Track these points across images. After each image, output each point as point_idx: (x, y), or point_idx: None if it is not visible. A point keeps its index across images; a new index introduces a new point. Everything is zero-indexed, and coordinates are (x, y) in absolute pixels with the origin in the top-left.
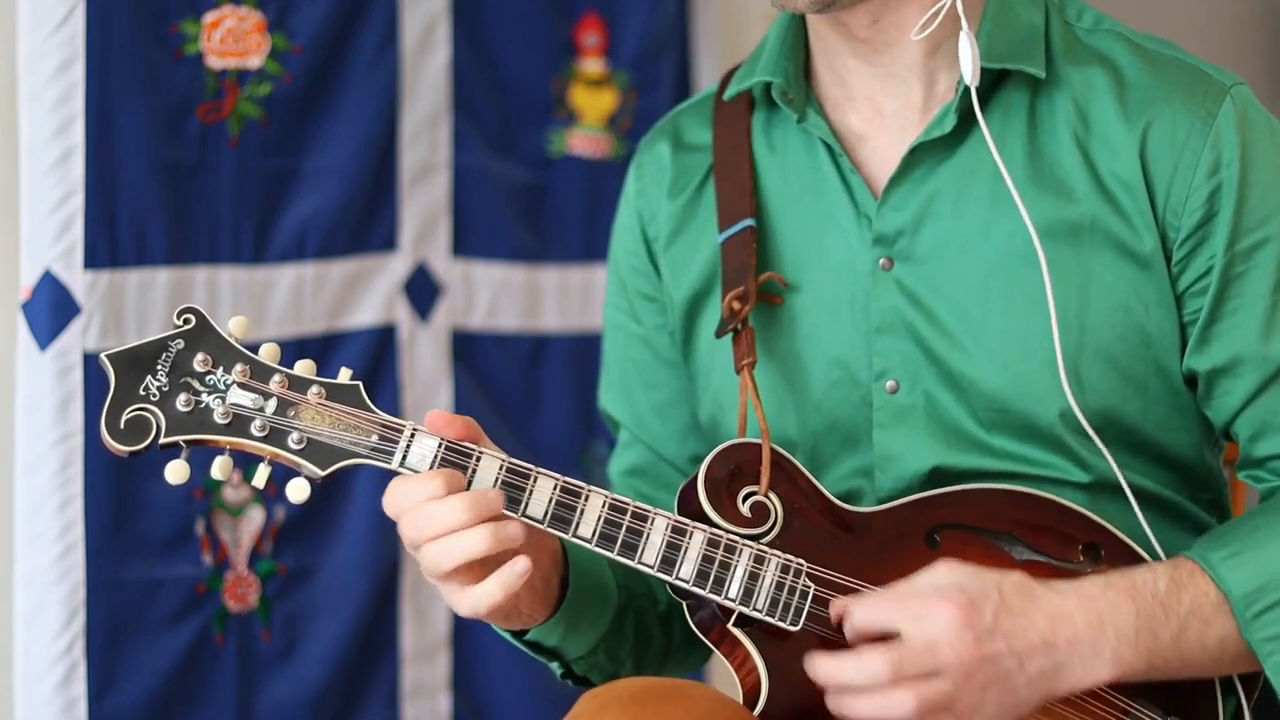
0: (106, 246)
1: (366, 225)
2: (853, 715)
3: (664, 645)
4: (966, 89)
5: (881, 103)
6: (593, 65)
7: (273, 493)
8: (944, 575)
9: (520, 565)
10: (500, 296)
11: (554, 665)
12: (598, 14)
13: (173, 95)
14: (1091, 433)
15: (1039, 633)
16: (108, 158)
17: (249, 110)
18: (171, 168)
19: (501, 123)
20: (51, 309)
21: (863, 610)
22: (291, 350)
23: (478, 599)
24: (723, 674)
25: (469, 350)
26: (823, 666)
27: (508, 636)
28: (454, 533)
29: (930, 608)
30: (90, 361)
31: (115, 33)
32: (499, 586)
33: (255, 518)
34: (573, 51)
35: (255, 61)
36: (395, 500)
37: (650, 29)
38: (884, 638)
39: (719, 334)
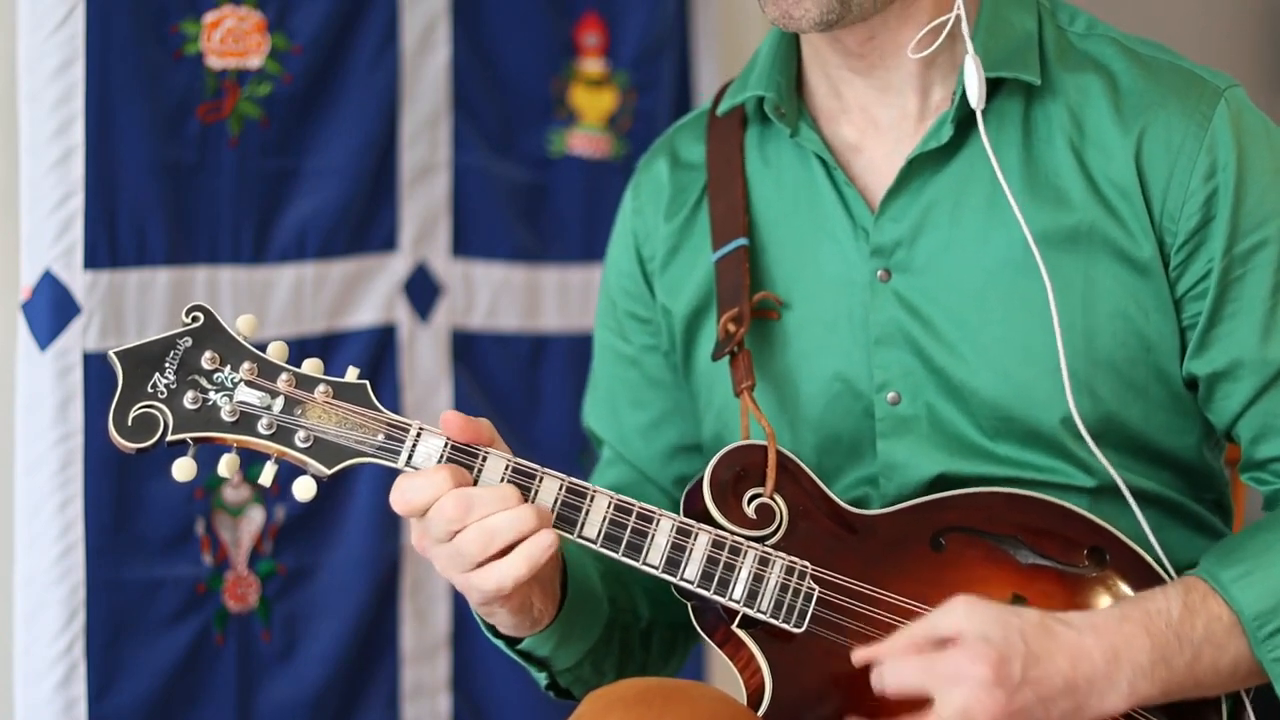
0: (106, 246)
1: (366, 225)
2: None
3: (642, 660)
4: (963, 102)
5: (876, 114)
6: (593, 65)
7: (275, 493)
8: (966, 622)
9: (546, 538)
10: (500, 296)
11: (540, 676)
12: (598, 14)
13: (173, 95)
14: (1089, 440)
15: (1063, 676)
16: (108, 158)
17: (249, 110)
18: (171, 168)
19: (501, 123)
20: (51, 309)
21: (893, 673)
22: (292, 350)
23: (518, 562)
24: (724, 674)
25: (469, 350)
26: None
27: (501, 645)
28: (500, 512)
29: (961, 670)
30: (90, 361)
31: (115, 33)
32: (525, 559)
33: (255, 518)
34: (573, 51)
35: (255, 61)
36: (409, 497)
37: (650, 29)
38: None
39: (715, 357)
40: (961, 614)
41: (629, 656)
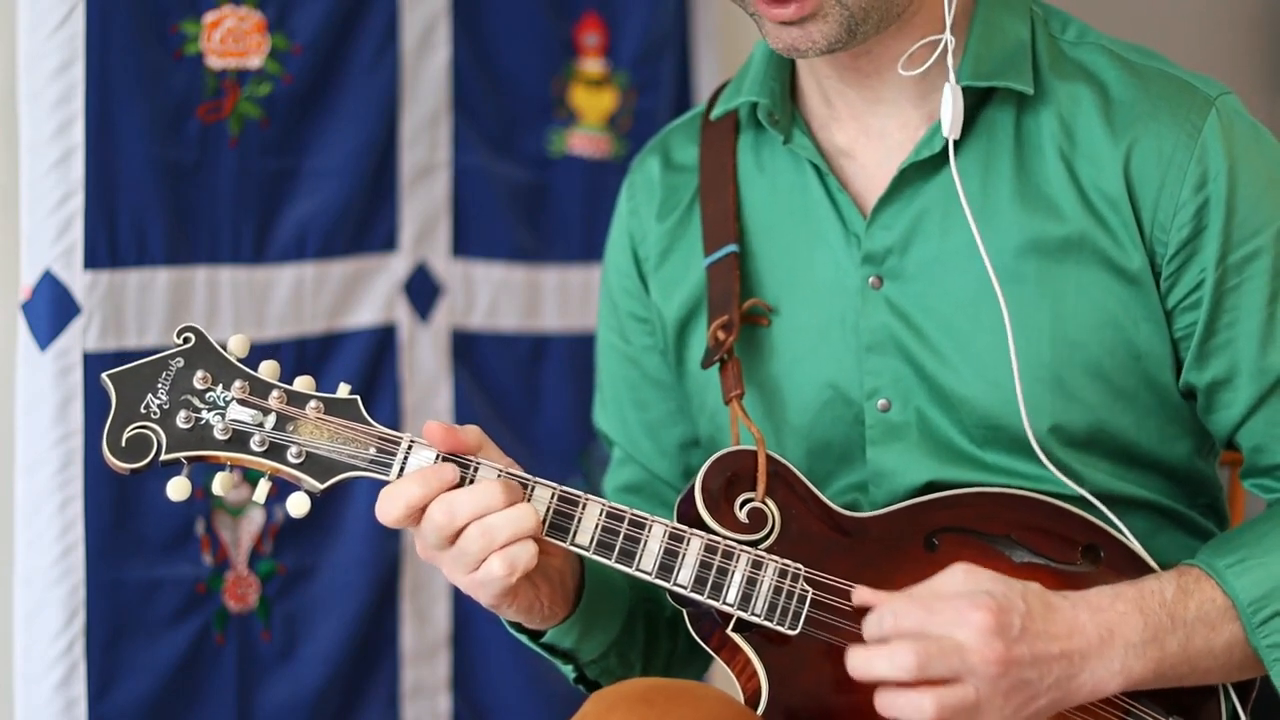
0: (106, 246)
1: (366, 225)
2: (881, 710)
3: (670, 649)
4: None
5: (868, 122)
6: (593, 65)
7: (273, 493)
8: (965, 581)
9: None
10: (500, 296)
11: (567, 668)
12: (598, 14)
13: (173, 95)
14: (1036, 448)
15: (1059, 644)
16: (108, 158)
17: (249, 110)
18: (171, 168)
19: (501, 123)
20: (51, 309)
21: (893, 615)
22: (291, 350)
23: (505, 562)
24: (725, 676)
25: (469, 350)
26: (854, 660)
27: (524, 640)
28: (496, 511)
29: (963, 613)
30: (90, 361)
31: (115, 33)
32: (526, 548)
33: (255, 518)
34: (573, 51)
35: (255, 61)
36: (385, 509)
37: (650, 29)
38: None
39: (705, 365)
40: (961, 575)
41: (655, 645)
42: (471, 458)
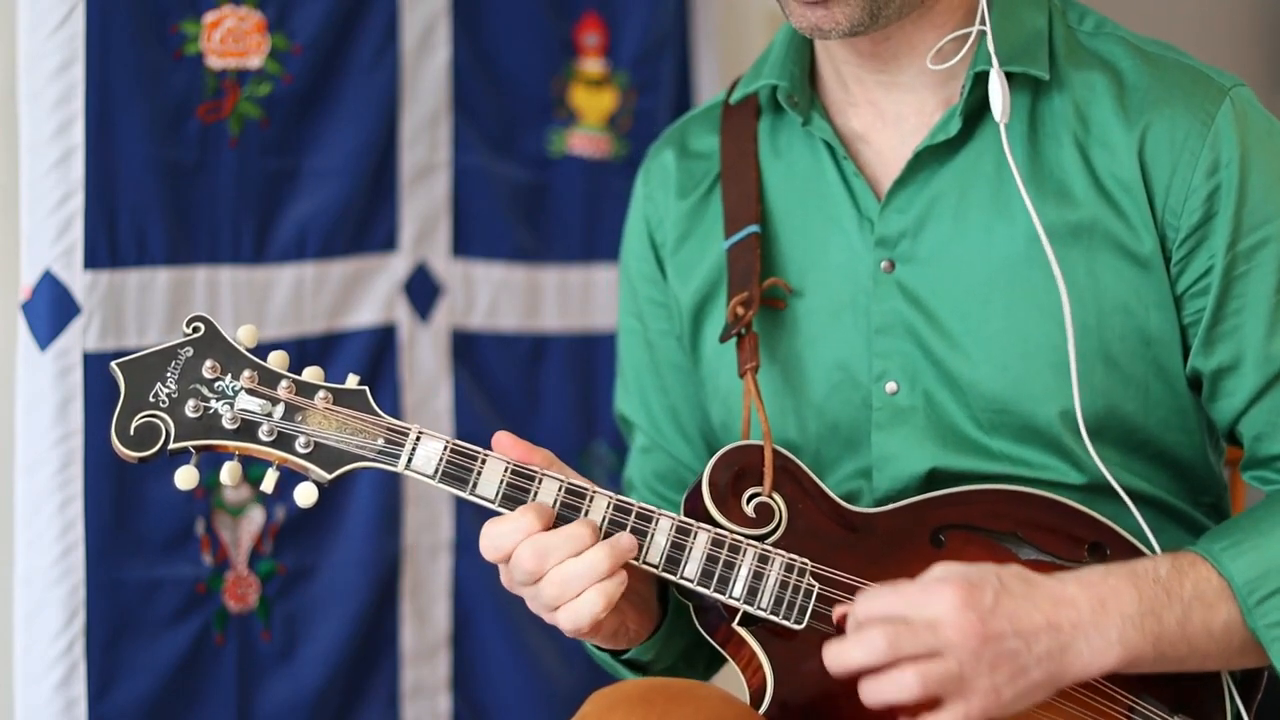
0: (106, 246)
1: (366, 225)
2: (865, 701)
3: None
4: (971, 97)
5: (884, 107)
6: (593, 65)
7: (275, 493)
8: (942, 568)
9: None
10: (500, 296)
11: (625, 670)
12: (598, 14)
13: (173, 95)
14: (1085, 434)
15: (1042, 614)
16: (108, 158)
17: (249, 110)
18: (171, 168)
19: (501, 123)
20: (51, 309)
21: (863, 602)
22: (291, 350)
23: (594, 600)
24: (728, 675)
25: (469, 350)
26: (829, 653)
27: (596, 653)
28: (573, 559)
29: (930, 591)
30: (90, 361)
31: (115, 33)
32: (602, 597)
33: (255, 518)
34: (573, 51)
35: (255, 61)
36: (497, 544)
37: (650, 29)
38: None
39: (723, 338)
40: (940, 566)
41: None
42: (479, 450)
